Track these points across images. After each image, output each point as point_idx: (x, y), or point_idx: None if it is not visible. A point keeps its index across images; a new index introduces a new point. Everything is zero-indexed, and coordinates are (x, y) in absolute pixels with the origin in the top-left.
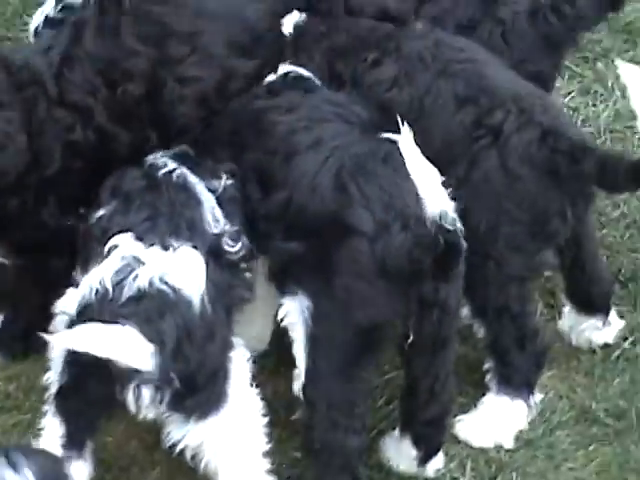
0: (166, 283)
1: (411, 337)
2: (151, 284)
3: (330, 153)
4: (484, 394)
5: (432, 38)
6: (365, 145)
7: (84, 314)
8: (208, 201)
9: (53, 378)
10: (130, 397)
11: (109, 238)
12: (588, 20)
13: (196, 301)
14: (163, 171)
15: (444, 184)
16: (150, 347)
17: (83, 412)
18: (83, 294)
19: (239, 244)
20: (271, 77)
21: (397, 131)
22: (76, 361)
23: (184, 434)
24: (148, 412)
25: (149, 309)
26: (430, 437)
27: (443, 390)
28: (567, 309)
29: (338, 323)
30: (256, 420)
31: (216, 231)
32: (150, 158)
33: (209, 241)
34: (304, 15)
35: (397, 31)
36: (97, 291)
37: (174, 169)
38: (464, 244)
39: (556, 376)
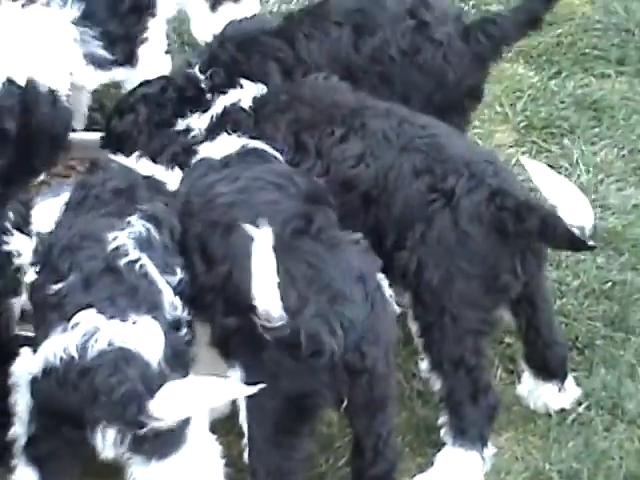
0: (126, 343)
1: (345, 401)
2: (110, 344)
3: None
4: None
5: (397, 116)
6: (298, 219)
7: (49, 375)
8: (167, 291)
9: (19, 431)
10: (98, 438)
11: (71, 314)
12: (510, 38)
13: (154, 363)
14: (126, 260)
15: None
16: None
17: (55, 458)
18: (46, 358)
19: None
20: (228, 150)
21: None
22: (45, 410)
23: (146, 475)
24: (110, 453)
25: (114, 360)
26: None
27: (387, 447)
28: (526, 374)
29: (267, 393)
30: (215, 461)
31: (172, 317)
32: (109, 238)
33: (167, 320)
34: (262, 86)
35: (362, 108)
36: (62, 357)
37: (137, 259)
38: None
39: (513, 438)
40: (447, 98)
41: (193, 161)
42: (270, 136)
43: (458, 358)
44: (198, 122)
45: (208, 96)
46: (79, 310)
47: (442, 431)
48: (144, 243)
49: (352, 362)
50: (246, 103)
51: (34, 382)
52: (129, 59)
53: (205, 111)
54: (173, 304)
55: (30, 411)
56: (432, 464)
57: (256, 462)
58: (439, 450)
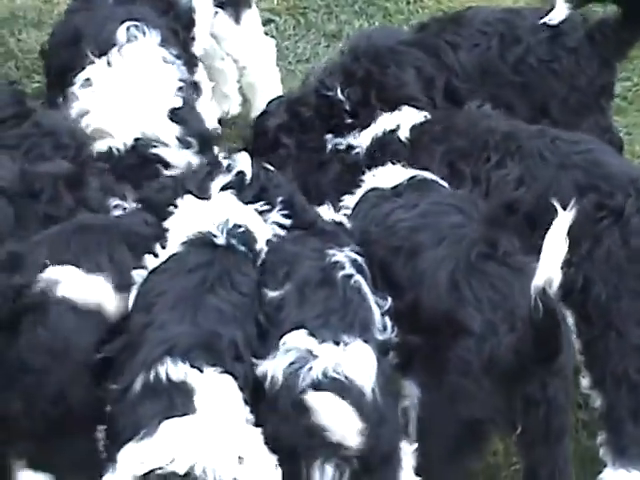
0: (339, 373)
1: (519, 429)
2: (325, 374)
3: (447, 252)
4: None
5: (549, 135)
6: (481, 242)
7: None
8: (377, 311)
9: None
10: (315, 475)
11: (283, 332)
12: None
13: (368, 390)
14: (343, 273)
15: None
16: (359, 424)
17: None
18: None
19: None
20: (396, 180)
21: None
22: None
23: None
24: None
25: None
26: None
27: (563, 477)
28: None
29: (442, 415)
30: None
31: (383, 338)
32: (330, 252)
33: (377, 342)
34: (421, 116)
35: (515, 132)
36: (273, 383)
37: (352, 275)
38: (567, 327)
39: None
40: (581, 101)
41: (357, 192)
42: (425, 166)
43: (621, 374)
44: (359, 140)
45: (348, 116)
46: (291, 330)
47: (601, 450)
48: (357, 266)
49: (531, 392)
50: (404, 134)
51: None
52: None
53: (364, 128)
54: (384, 324)
55: None
56: None
57: (425, 475)
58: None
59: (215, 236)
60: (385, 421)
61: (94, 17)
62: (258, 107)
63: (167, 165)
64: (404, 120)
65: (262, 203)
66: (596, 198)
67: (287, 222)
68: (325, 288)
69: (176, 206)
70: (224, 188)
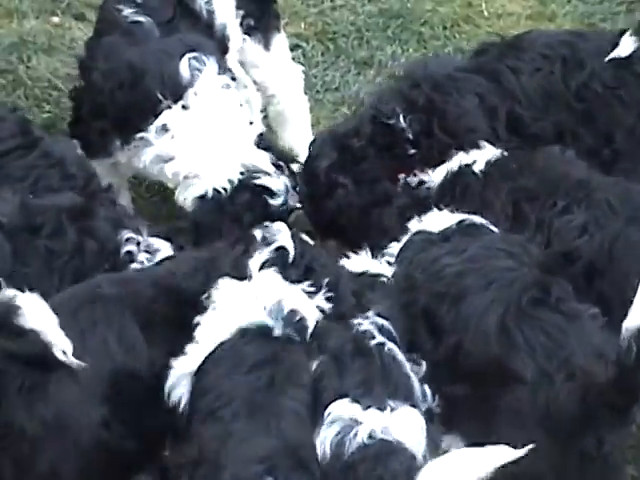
0: (388, 435)
1: None
2: (371, 437)
3: (496, 296)
4: None
5: (623, 187)
6: (534, 287)
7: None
8: (415, 377)
9: None
10: None
11: (326, 403)
12: None
13: (419, 454)
14: (375, 342)
15: None
16: None
17: None
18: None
19: None
20: (443, 224)
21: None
22: None
23: None
24: None
25: (375, 455)
26: None
27: None
28: None
29: None
30: None
31: (424, 407)
32: (354, 322)
33: (421, 410)
34: (498, 152)
35: (589, 180)
36: (320, 455)
37: (383, 343)
38: None
39: None
40: None
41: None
42: (489, 203)
43: None
44: (432, 175)
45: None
46: (334, 400)
47: None
48: (385, 332)
49: (587, 448)
50: (479, 166)
51: None
52: None
53: (427, 161)
54: (423, 392)
55: None
56: None
57: None
58: None
59: (270, 327)
60: None
61: (148, 52)
62: (286, 138)
63: (272, 194)
64: (481, 155)
65: (308, 284)
66: None
67: (328, 307)
68: (361, 357)
69: (209, 295)
70: (264, 266)
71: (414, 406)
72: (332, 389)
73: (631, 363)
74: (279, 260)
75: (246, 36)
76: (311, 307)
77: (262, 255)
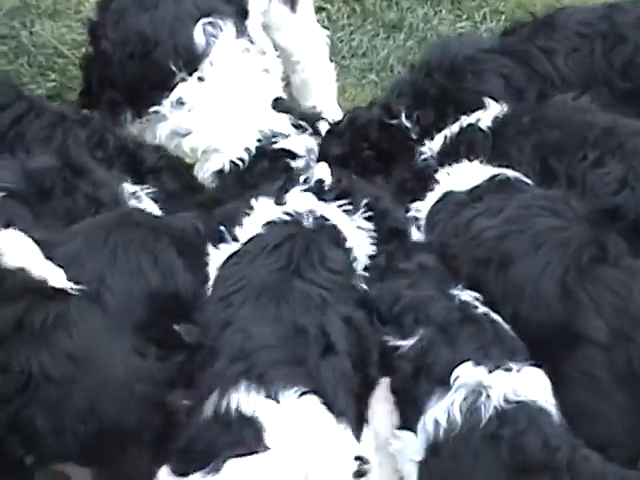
0: (521, 397)
1: None
2: (507, 400)
3: (550, 258)
4: None
5: None
6: (592, 246)
7: (437, 455)
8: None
9: None
10: None
11: (438, 374)
12: None
13: (554, 413)
14: (479, 311)
15: None
16: None
17: None
18: (427, 432)
19: None
20: (474, 181)
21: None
22: None
23: None
24: None
25: (518, 422)
26: None
27: None
28: None
29: None
30: None
31: None
32: (454, 293)
33: None
34: (504, 106)
35: (615, 127)
36: (446, 426)
37: (487, 312)
38: None
39: None
40: None
41: (429, 197)
42: (515, 160)
43: None
44: (430, 144)
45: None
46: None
47: None
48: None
49: None
50: (485, 123)
51: (422, 465)
52: None
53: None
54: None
55: None
56: None
57: None
58: None
59: (302, 217)
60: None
61: (160, 18)
62: (310, 106)
63: (294, 156)
64: (485, 113)
65: (344, 202)
66: None
67: (367, 226)
68: (470, 325)
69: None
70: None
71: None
72: (442, 359)
73: None
74: (316, 188)
75: None
76: (348, 222)
77: (299, 187)
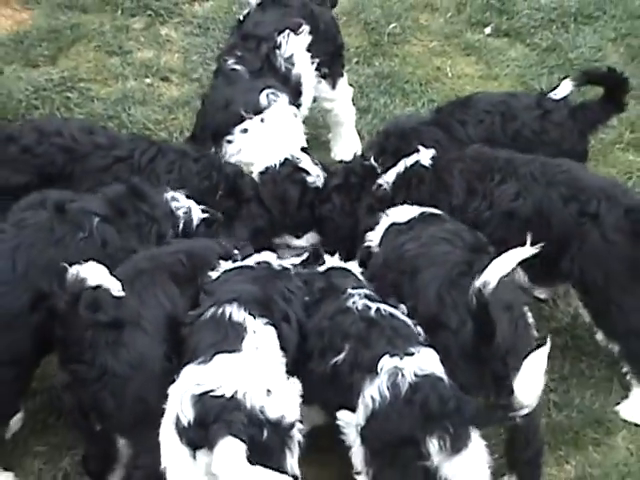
0: (425, 370)
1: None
2: (416, 375)
3: (436, 272)
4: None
5: (538, 161)
6: (462, 265)
7: (375, 419)
8: (411, 322)
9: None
10: (431, 449)
11: (375, 363)
12: (602, 119)
13: (445, 378)
14: (372, 310)
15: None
16: None
17: None
18: (366, 406)
19: None
20: (410, 215)
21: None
22: (378, 448)
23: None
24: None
25: (424, 388)
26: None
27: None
28: None
29: None
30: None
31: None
32: (349, 304)
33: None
34: (432, 151)
35: (512, 159)
36: (380, 399)
37: (378, 308)
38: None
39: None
40: None
41: (377, 228)
42: (448, 183)
43: (626, 331)
44: (385, 178)
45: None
46: (378, 360)
47: (628, 376)
48: (371, 297)
49: (496, 370)
50: (426, 161)
51: (364, 429)
52: None
53: (390, 168)
54: (419, 331)
55: (365, 457)
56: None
57: None
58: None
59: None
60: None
61: (238, 89)
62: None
63: (309, 174)
64: (421, 155)
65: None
66: (577, 207)
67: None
68: (374, 328)
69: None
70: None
71: (422, 345)
72: (368, 356)
73: (475, 310)
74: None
75: (321, 79)
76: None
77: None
